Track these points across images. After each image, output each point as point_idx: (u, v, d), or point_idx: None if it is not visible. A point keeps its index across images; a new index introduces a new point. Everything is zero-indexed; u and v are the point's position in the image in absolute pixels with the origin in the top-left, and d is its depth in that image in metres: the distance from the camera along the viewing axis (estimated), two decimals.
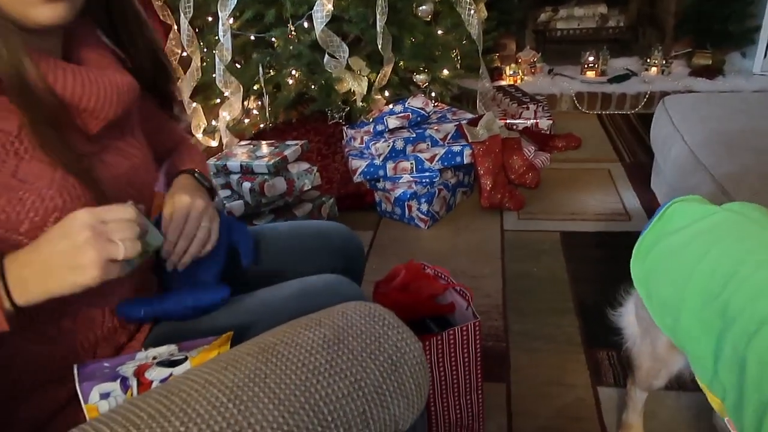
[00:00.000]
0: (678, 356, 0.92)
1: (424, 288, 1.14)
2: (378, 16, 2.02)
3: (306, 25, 2.13)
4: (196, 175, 0.87)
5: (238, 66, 2.38)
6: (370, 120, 2.16)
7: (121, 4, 0.74)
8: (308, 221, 1.05)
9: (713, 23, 3.02)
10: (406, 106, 2.07)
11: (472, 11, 2.24)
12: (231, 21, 2.13)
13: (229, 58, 2.13)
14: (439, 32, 2.40)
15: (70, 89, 0.61)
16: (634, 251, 0.93)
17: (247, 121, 2.44)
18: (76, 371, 0.57)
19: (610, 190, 2.21)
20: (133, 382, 0.57)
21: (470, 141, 2.03)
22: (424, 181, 2.00)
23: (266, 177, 1.75)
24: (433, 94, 2.48)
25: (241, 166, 1.77)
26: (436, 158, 2.01)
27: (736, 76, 2.98)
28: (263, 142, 1.94)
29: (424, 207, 1.98)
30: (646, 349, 0.97)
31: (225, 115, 2.33)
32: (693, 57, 3.10)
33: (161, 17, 2.32)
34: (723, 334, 0.70)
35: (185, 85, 2.37)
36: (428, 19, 2.29)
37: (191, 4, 2.15)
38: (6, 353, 0.62)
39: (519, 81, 3.19)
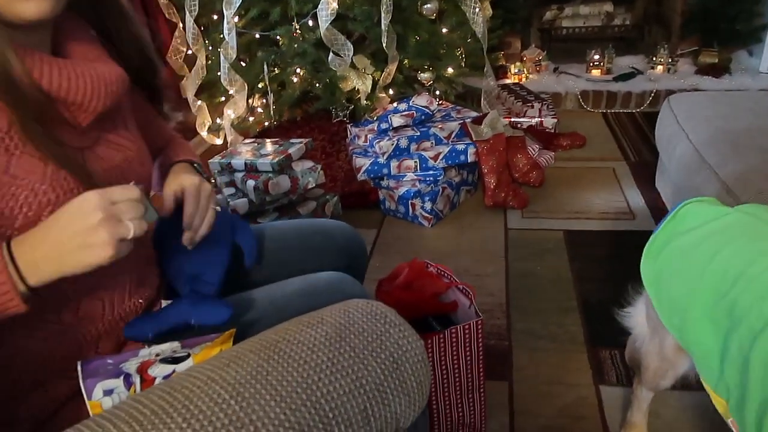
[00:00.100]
0: (685, 357, 0.92)
1: (427, 286, 1.14)
2: (383, 15, 2.01)
3: (311, 23, 2.13)
4: (195, 165, 0.87)
5: (243, 64, 2.38)
6: (375, 118, 2.16)
7: None
8: (311, 220, 1.05)
9: (720, 21, 3.00)
10: (410, 104, 2.07)
11: (477, 9, 2.23)
12: (236, 19, 2.13)
13: (234, 56, 2.14)
14: (444, 30, 2.40)
15: (56, 83, 0.61)
16: (644, 251, 0.92)
17: (251, 119, 2.44)
18: (79, 368, 0.57)
19: (614, 189, 2.20)
20: (137, 379, 0.57)
21: (474, 139, 2.03)
22: (428, 179, 2.00)
23: (270, 175, 1.75)
24: (437, 93, 2.48)
25: (245, 164, 1.78)
26: (440, 156, 2.01)
27: (743, 74, 2.96)
28: (268, 140, 1.94)
29: (428, 205, 1.98)
30: (654, 349, 0.97)
31: (230, 113, 2.33)
32: (699, 55, 3.08)
33: (166, 15, 2.33)
34: (730, 334, 0.70)
35: (190, 83, 2.38)
36: (433, 18, 2.29)
37: (196, 2, 2.16)
38: (6, 353, 0.62)
39: (524, 79, 3.18)
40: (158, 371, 0.58)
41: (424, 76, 2.37)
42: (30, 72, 0.59)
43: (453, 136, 2.08)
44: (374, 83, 2.23)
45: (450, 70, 2.49)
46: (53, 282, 0.56)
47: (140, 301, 0.75)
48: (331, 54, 2.09)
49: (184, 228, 0.76)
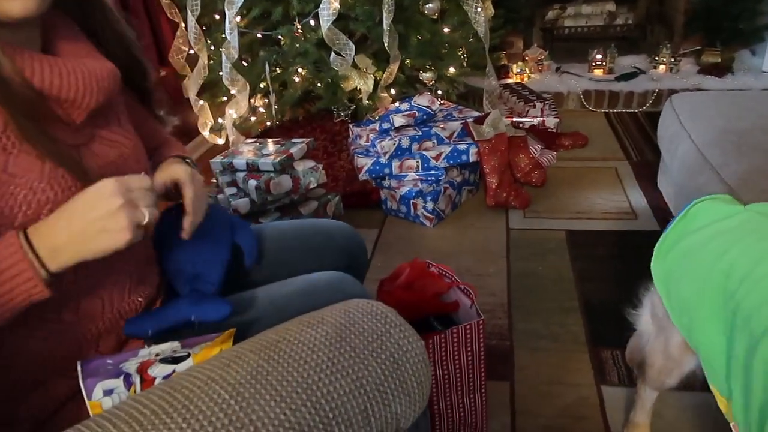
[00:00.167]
0: (691, 356, 0.91)
1: (428, 286, 1.14)
2: (384, 14, 2.01)
3: (312, 23, 2.13)
4: (187, 160, 0.87)
5: (245, 64, 2.38)
6: (376, 118, 2.16)
7: None
8: (311, 220, 1.05)
9: (723, 21, 2.99)
10: (412, 104, 2.07)
11: (479, 9, 2.23)
12: (238, 19, 2.14)
13: (236, 56, 2.14)
14: (446, 30, 2.40)
15: (48, 81, 0.61)
16: (655, 250, 0.91)
17: (253, 118, 2.45)
18: (79, 367, 0.57)
19: (616, 188, 2.20)
20: (136, 379, 0.57)
21: (476, 139, 2.03)
22: (429, 179, 2.00)
23: (272, 175, 1.75)
24: (439, 92, 2.47)
25: (247, 163, 1.78)
26: (442, 156, 2.01)
27: (746, 74, 2.95)
28: (269, 140, 1.94)
29: (430, 205, 1.98)
30: (659, 347, 0.97)
31: (231, 113, 2.33)
32: (702, 55, 3.07)
33: (168, 15, 2.33)
34: (734, 336, 0.69)
35: (192, 83, 2.38)
36: (435, 17, 2.28)
37: (198, 2, 2.16)
38: (8, 353, 0.62)
39: (526, 79, 3.17)
40: (158, 371, 0.58)
41: (426, 76, 2.36)
42: (21, 71, 0.59)
43: (455, 135, 2.08)
44: (376, 83, 2.23)
45: (452, 70, 2.49)
46: (71, 266, 0.58)
47: (139, 299, 0.75)
48: (332, 54, 2.09)
49: (185, 213, 0.76)
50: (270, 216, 1.82)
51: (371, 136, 2.08)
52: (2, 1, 0.58)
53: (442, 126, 2.06)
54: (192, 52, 2.34)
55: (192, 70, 2.37)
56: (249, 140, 2.02)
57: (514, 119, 2.66)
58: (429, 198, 1.97)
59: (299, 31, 2.15)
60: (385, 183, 2.08)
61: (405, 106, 2.07)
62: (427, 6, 2.20)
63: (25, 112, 0.58)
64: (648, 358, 1.02)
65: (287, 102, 2.31)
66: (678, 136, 1.71)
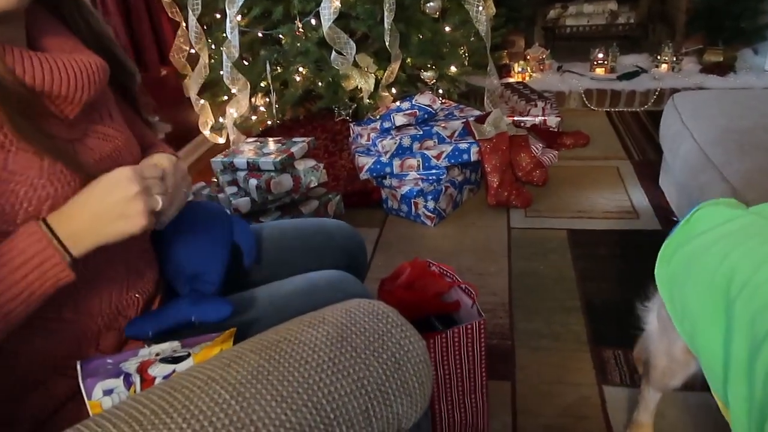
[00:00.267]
0: (695, 359, 0.90)
1: (429, 286, 1.14)
2: (385, 13, 2.01)
3: (313, 22, 2.13)
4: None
5: (246, 63, 2.38)
6: (377, 117, 2.16)
7: None
8: (310, 219, 1.05)
9: (725, 20, 2.99)
10: (413, 103, 2.06)
11: (481, 8, 2.23)
12: (239, 18, 2.13)
13: (237, 55, 2.13)
14: (447, 29, 2.39)
15: (39, 77, 0.61)
16: (659, 255, 0.91)
17: (254, 118, 2.45)
18: (79, 367, 0.57)
19: (618, 187, 2.19)
20: (137, 379, 0.57)
21: (477, 138, 2.03)
22: (430, 178, 1.99)
23: (273, 174, 1.75)
24: (440, 91, 2.47)
25: (247, 163, 1.78)
26: (443, 155, 2.00)
27: (748, 73, 2.94)
28: (270, 139, 1.94)
29: (431, 204, 1.98)
30: (663, 348, 0.96)
31: (232, 112, 2.33)
32: (704, 54, 3.07)
33: (169, 14, 2.33)
34: (734, 339, 0.69)
35: (193, 82, 2.38)
36: (436, 16, 2.28)
37: (199, 1, 2.16)
38: (9, 352, 0.62)
39: (527, 78, 3.17)
40: (158, 371, 0.57)
41: (427, 75, 2.36)
42: (12, 69, 0.58)
43: (456, 134, 2.07)
44: (377, 82, 2.23)
45: (453, 69, 2.49)
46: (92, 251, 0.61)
47: (137, 295, 0.74)
48: (333, 52, 2.09)
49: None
50: (271, 215, 1.82)
51: (372, 135, 2.08)
52: None
53: (443, 125, 2.05)
54: (193, 51, 2.34)
55: (193, 70, 2.37)
56: (250, 139, 2.02)
57: (516, 118, 2.66)
58: (430, 197, 1.97)
59: (300, 30, 2.15)
60: (386, 182, 2.07)
61: (406, 105, 2.07)
62: (428, 5, 2.20)
63: (19, 110, 0.58)
64: (652, 359, 1.01)
65: (288, 101, 2.31)
66: (680, 135, 1.71)
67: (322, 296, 0.77)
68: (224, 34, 2.15)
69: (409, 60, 2.34)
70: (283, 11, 2.15)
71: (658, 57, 3.11)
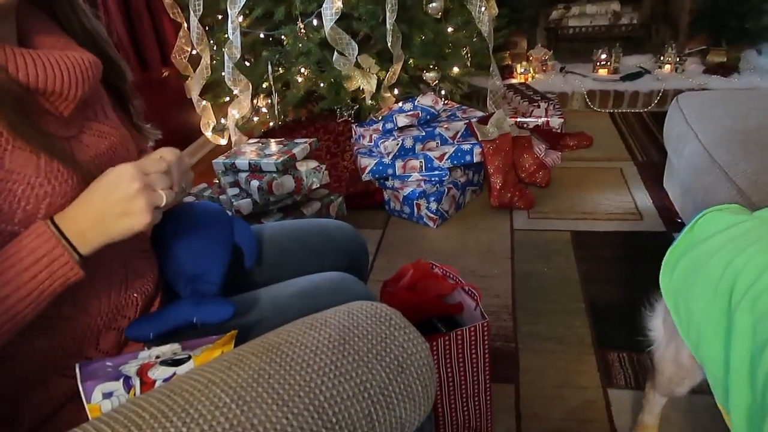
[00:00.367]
0: (701, 367, 0.89)
1: (432, 288, 1.13)
2: (388, 14, 2.00)
3: (315, 22, 2.12)
4: None
5: (248, 64, 2.38)
6: (380, 118, 2.15)
7: None
8: (311, 220, 1.04)
9: (728, 20, 2.98)
10: (415, 104, 2.06)
11: (483, 8, 2.22)
12: (240, 19, 2.13)
13: (239, 55, 2.13)
14: (450, 30, 2.39)
15: (33, 75, 0.61)
16: (663, 263, 0.89)
17: (256, 119, 2.44)
18: (78, 370, 0.56)
19: (622, 189, 2.18)
20: (136, 382, 0.56)
21: (480, 139, 2.02)
22: (433, 179, 1.99)
23: (275, 175, 1.74)
24: (443, 92, 2.46)
25: (249, 164, 1.77)
26: (446, 157, 1.99)
27: (752, 73, 2.93)
28: (272, 140, 1.93)
29: (433, 206, 1.97)
30: (670, 356, 0.95)
31: (234, 113, 2.33)
32: (707, 54, 3.06)
33: (171, 15, 2.33)
34: (734, 344, 0.68)
35: (194, 83, 2.37)
36: (438, 17, 2.28)
37: (201, 2, 2.15)
38: (10, 351, 0.62)
39: (530, 79, 3.16)
40: (158, 374, 0.57)
41: (430, 76, 2.35)
42: (5, 67, 0.58)
43: (458, 136, 2.07)
44: (379, 83, 2.22)
45: (455, 70, 2.48)
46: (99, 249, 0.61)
47: (135, 295, 0.74)
48: (335, 53, 2.09)
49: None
50: (272, 217, 1.81)
51: (374, 136, 2.07)
52: None
53: (445, 126, 2.05)
54: (194, 52, 2.34)
55: (194, 71, 2.37)
56: (251, 140, 2.01)
57: (519, 119, 2.65)
58: (432, 198, 1.96)
59: (302, 30, 2.15)
60: (389, 183, 2.07)
61: (408, 106, 2.06)
62: (430, 5, 2.19)
63: (14, 108, 0.58)
64: (658, 366, 1.00)
65: (290, 102, 2.31)
66: (685, 136, 1.70)
67: (325, 298, 0.77)
68: (226, 35, 2.15)
69: (411, 61, 2.34)
70: (284, 12, 2.15)
71: (662, 58, 3.10)
